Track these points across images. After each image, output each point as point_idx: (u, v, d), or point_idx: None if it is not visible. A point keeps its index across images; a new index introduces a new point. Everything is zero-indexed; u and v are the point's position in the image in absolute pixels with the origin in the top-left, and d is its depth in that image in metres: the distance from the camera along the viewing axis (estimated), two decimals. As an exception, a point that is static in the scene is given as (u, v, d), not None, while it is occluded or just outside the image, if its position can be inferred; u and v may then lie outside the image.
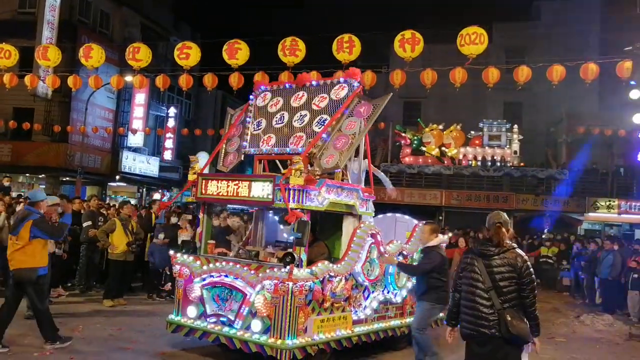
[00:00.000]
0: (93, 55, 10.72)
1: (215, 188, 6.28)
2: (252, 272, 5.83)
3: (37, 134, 21.53)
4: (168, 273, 9.76)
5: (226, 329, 5.94)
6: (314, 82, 6.99)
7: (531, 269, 4.10)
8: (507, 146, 24.85)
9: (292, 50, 9.86)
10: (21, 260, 6.21)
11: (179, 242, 9.49)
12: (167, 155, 29.52)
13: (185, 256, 6.43)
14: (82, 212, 10.19)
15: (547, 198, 23.30)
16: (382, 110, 6.57)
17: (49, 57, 11.20)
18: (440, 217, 22.29)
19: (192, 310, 6.26)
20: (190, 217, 10.54)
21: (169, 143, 29.61)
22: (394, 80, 10.42)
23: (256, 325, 5.72)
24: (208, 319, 6.13)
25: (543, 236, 18.96)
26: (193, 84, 11.71)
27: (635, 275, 10.87)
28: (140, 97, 26.11)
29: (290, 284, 5.53)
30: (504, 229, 4.18)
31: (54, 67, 12.21)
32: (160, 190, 29.02)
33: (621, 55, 9.50)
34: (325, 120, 6.52)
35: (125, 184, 26.41)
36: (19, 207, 8.91)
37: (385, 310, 6.91)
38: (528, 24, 29.78)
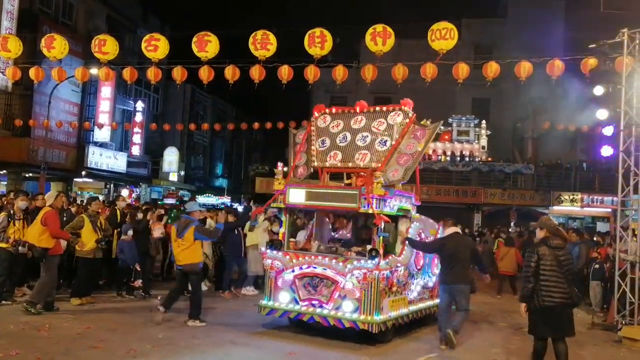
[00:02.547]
0: (56, 46, 10.39)
1: (303, 196, 7.54)
2: (341, 264, 7.18)
3: (-3, 128, 20.78)
4: (138, 269, 9.58)
5: (319, 310, 7.27)
6: (371, 109, 8.17)
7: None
8: (476, 141, 25.34)
9: (263, 44, 9.78)
10: (188, 257, 7.82)
11: (153, 235, 10.07)
12: (135, 150, 28.93)
13: (275, 252, 7.65)
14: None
15: (513, 192, 23.85)
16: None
17: (9, 48, 10.78)
18: (411, 212, 22.54)
19: (284, 296, 7.53)
20: (162, 211, 10.47)
21: (136, 138, 29.03)
22: (366, 75, 10.43)
23: (348, 305, 7.09)
24: (301, 303, 7.40)
25: (510, 229, 19.39)
26: (161, 78, 11.46)
27: (597, 266, 11.21)
28: (106, 91, 25.48)
29: (377, 272, 6.97)
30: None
31: (14, 58, 11.76)
32: (128, 187, 28.42)
33: (586, 53, 9.76)
34: (386, 141, 7.70)
35: (91, 180, 25.74)
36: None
37: (423, 293, 8.38)
38: (495, 21, 30.32)
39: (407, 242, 7.72)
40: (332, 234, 8.67)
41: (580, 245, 12.32)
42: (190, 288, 8.27)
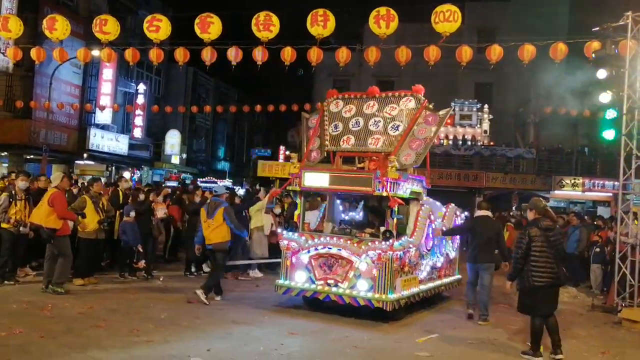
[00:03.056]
0: (58, 27, 10.32)
1: (319, 180, 7.75)
2: (355, 245, 7.45)
3: (-2, 109, 20.73)
4: (141, 250, 9.64)
5: (334, 289, 7.51)
6: (382, 95, 8.36)
7: None
8: (478, 126, 25.23)
9: (266, 25, 9.71)
10: (218, 236, 8.11)
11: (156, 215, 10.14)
12: (137, 132, 28.88)
13: (291, 233, 7.94)
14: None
15: (515, 177, 23.82)
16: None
17: (9, 28, 10.71)
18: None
19: (300, 276, 7.79)
20: (169, 190, 10.68)
21: (138, 120, 28.95)
22: (369, 58, 10.37)
23: (362, 284, 7.38)
24: (317, 282, 7.64)
25: (511, 213, 19.41)
26: (163, 59, 11.39)
27: (598, 249, 11.26)
28: (108, 73, 25.35)
29: (390, 253, 7.23)
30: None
31: (15, 39, 11.69)
32: (130, 169, 28.45)
33: (589, 36, 9.67)
34: (398, 125, 7.89)
35: (93, 162, 25.75)
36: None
37: (432, 273, 8.65)
38: (499, 4, 29.97)
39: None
40: (343, 216, 8.92)
41: (580, 228, 12.36)
42: (215, 264, 8.47)
